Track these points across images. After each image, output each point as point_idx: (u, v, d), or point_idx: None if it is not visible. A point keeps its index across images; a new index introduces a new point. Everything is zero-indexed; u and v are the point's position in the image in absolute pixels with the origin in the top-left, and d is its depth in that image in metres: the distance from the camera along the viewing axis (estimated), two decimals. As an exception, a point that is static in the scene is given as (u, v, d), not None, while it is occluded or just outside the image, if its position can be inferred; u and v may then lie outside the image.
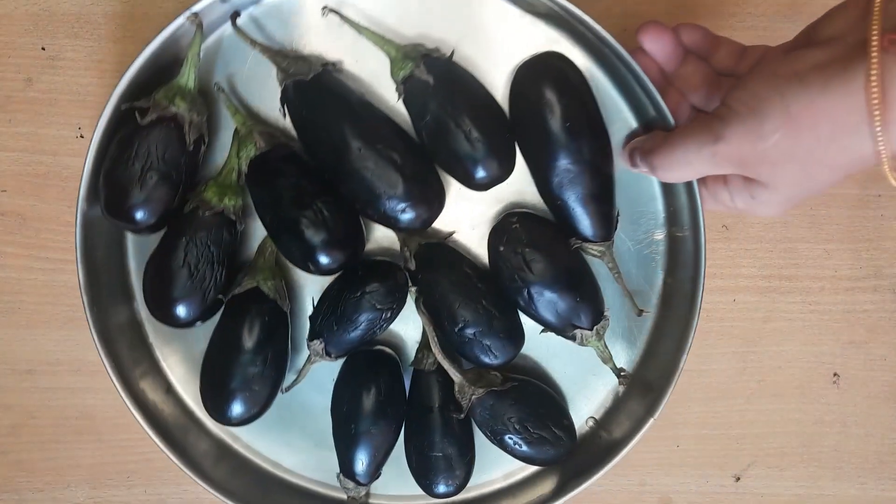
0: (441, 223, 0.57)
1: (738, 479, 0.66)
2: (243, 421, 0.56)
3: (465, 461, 0.57)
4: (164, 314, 0.55)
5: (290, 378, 0.57)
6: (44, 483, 0.65)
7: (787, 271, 0.64)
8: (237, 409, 0.55)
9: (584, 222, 0.54)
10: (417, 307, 0.56)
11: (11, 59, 0.60)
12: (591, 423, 0.60)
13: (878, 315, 0.64)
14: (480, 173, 0.53)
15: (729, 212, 0.52)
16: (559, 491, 0.57)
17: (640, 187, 0.57)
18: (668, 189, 0.56)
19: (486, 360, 0.55)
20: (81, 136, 0.60)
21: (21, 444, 0.65)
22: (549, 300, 0.54)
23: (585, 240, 0.55)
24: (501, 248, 0.55)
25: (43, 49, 0.60)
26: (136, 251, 0.58)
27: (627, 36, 0.56)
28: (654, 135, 0.52)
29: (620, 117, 0.56)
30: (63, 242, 0.62)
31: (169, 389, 0.60)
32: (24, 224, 0.62)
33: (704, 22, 0.57)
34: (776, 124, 0.43)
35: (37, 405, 0.64)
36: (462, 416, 0.56)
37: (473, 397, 0.55)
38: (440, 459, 0.56)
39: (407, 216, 0.52)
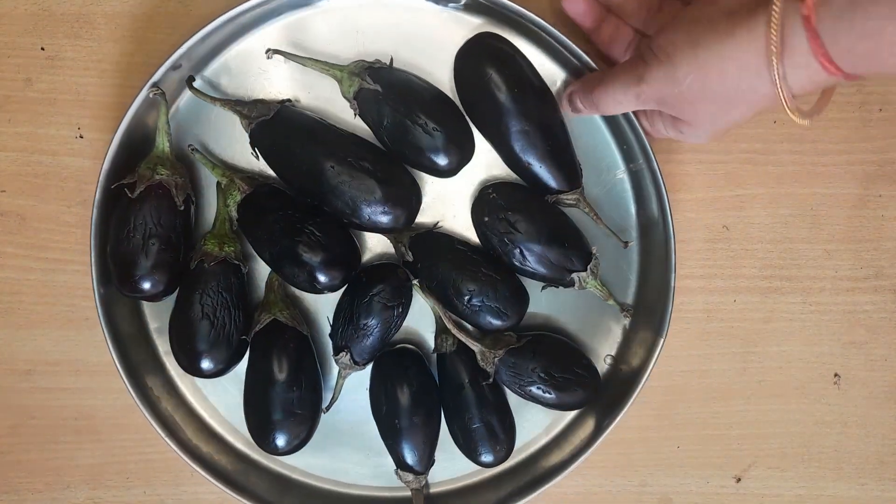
0: (424, 217, 0.60)
1: (739, 479, 0.66)
2: (294, 447, 0.58)
3: (506, 426, 0.60)
4: (196, 367, 0.57)
5: (327, 398, 0.60)
6: (43, 483, 0.65)
7: (788, 271, 0.63)
8: (285, 437, 0.58)
9: (552, 177, 0.57)
10: (422, 290, 0.59)
11: (11, 58, 0.60)
12: (608, 360, 0.63)
13: (878, 315, 0.64)
14: (444, 160, 0.56)
15: (671, 139, 0.55)
16: (598, 429, 0.60)
17: (594, 136, 0.60)
18: (616, 132, 0.60)
19: (500, 321, 0.58)
20: (81, 136, 0.60)
21: (20, 444, 0.64)
22: (540, 253, 0.57)
23: (558, 192, 0.58)
24: (486, 219, 0.58)
25: (42, 49, 0.60)
26: (154, 317, 0.62)
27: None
28: (589, 76, 0.56)
29: (557, 76, 0.59)
30: (62, 242, 0.62)
31: (219, 439, 0.63)
32: (24, 224, 0.61)
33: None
34: (687, 70, 0.46)
35: (36, 405, 0.64)
36: (490, 380, 0.59)
37: (496, 360, 0.58)
38: (482, 429, 0.59)
39: (389, 217, 0.56)
